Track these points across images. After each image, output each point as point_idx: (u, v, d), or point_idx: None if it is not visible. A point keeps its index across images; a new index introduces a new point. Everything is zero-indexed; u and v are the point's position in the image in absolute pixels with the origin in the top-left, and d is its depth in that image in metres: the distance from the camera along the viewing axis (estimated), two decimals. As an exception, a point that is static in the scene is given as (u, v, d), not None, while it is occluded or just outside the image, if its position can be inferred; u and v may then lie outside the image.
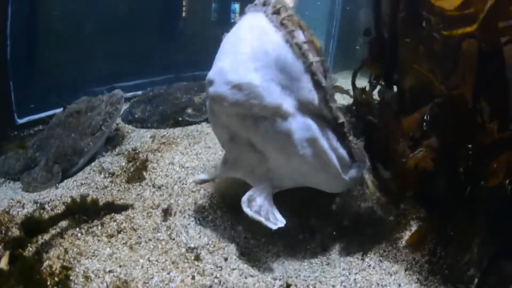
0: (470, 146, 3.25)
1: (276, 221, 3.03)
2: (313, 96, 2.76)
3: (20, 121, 5.69)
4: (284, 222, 3.05)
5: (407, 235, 3.42)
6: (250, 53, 2.60)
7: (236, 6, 9.68)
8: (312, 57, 2.68)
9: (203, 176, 3.60)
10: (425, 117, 3.58)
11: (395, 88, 3.81)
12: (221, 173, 3.52)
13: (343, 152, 3.01)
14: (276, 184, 3.23)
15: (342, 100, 5.54)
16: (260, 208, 3.07)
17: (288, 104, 2.71)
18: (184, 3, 8.77)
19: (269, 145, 2.94)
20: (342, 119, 2.90)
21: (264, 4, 2.72)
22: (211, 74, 2.74)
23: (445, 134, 3.26)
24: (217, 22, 9.61)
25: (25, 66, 5.91)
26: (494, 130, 3.00)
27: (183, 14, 8.88)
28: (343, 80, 8.12)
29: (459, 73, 3.26)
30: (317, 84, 2.73)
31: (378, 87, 4.03)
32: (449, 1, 3.01)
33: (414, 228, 3.45)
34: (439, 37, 3.36)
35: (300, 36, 2.66)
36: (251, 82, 2.59)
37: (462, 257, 3.05)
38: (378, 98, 3.94)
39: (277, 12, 2.64)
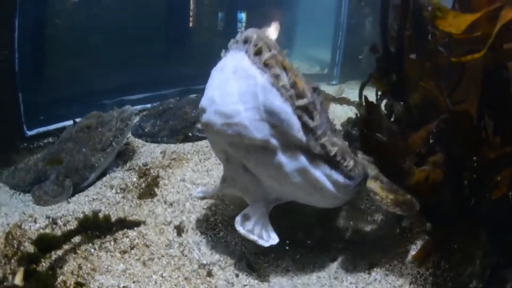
0: (475, 159, 3.29)
1: (269, 238, 3.11)
2: (302, 136, 2.76)
3: (30, 133, 5.71)
4: (277, 240, 3.13)
5: (412, 249, 3.47)
6: (238, 96, 2.63)
7: (243, 16, 9.78)
8: (297, 101, 2.66)
9: (202, 194, 3.70)
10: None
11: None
12: (219, 191, 3.62)
13: (338, 177, 3.00)
14: (272, 199, 3.28)
15: (349, 112, 5.59)
16: (254, 226, 3.15)
17: (277, 140, 2.74)
18: (191, 13, 8.82)
19: (261, 172, 3.02)
20: (334, 151, 2.89)
21: (245, 42, 2.70)
22: (203, 103, 2.81)
23: (451, 148, 3.31)
24: (224, 31, 9.65)
25: (34, 78, 5.93)
26: (498, 144, 3.06)
27: (190, 24, 8.94)
28: (350, 91, 8.20)
29: (464, 89, 3.36)
30: (304, 126, 2.74)
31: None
32: (456, 25, 3.02)
33: (419, 242, 3.50)
34: (444, 52, 3.43)
35: (284, 79, 2.63)
36: (240, 122, 2.63)
37: (465, 269, 3.09)
38: (385, 111, 3.99)
39: (259, 52, 2.62)
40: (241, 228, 3.15)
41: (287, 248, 3.60)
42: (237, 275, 3.29)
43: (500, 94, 3.08)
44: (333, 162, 2.94)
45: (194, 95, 6.74)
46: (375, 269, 3.40)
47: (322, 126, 2.84)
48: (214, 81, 2.82)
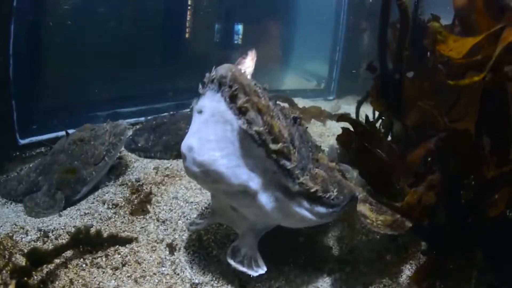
0: (472, 178, 3.32)
1: (258, 269, 3.20)
2: (279, 177, 2.80)
3: (22, 141, 5.71)
4: (265, 269, 3.22)
5: (407, 269, 3.54)
6: (215, 142, 2.65)
7: (240, 28, 9.77)
8: (272, 145, 2.66)
9: (195, 227, 3.72)
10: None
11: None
12: (210, 222, 3.68)
13: (320, 209, 3.06)
14: (260, 228, 3.37)
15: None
16: (244, 257, 3.24)
17: (256, 183, 2.78)
18: (187, 25, 8.82)
19: (244, 211, 3.11)
20: (314, 188, 2.92)
21: (220, 83, 2.64)
22: (183, 148, 2.80)
23: (448, 167, 3.32)
24: (221, 44, 9.66)
25: (28, 86, 5.94)
26: (496, 163, 3.06)
27: (186, 36, 8.93)
28: (347, 106, 8.22)
29: (462, 107, 3.39)
30: (282, 167, 2.75)
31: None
32: (457, 50, 3.02)
33: (414, 262, 3.58)
34: (444, 70, 3.49)
35: (259, 123, 2.62)
36: (217, 169, 2.66)
37: None
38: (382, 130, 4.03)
39: (234, 97, 2.59)
40: (232, 260, 3.25)
41: (280, 268, 3.64)
42: (229, 296, 3.30)
43: (498, 114, 3.10)
44: (314, 198, 2.98)
45: (188, 110, 6.76)
46: None
47: (302, 161, 2.89)
48: (194, 124, 2.81)
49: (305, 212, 3.01)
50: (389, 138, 4.20)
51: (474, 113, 3.20)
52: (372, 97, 3.91)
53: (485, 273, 3.20)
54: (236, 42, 9.79)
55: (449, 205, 3.44)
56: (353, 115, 4.29)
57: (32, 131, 5.86)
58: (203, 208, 4.22)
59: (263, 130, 2.61)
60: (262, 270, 3.22)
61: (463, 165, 3.21)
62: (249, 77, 2.73)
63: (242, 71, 2.70)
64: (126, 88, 7.53)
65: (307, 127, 3.35)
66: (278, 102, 3.08)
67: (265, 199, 2.86)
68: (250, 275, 3.20)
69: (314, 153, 3.17)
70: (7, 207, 4.62)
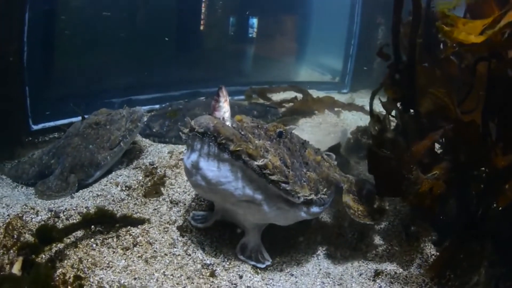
0: (483, 169, 3.33)
1: (264, 261, 3.47)
2: (279, 193, 3.07)
3: (35, 127, 5.71)
4: (270, 261, 3.49)
5: (418, 258, 3.51)
6: (218, 175, 2.95)
7: (254, 21, 9.73)
8: (271, 176, 2.96)
9: (202, 225, 3.72)
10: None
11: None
12: (214, 219, 3.75)
13: (314, 209, 3.36)
14: (261, 225, 3.57)
15: (359, 120, 5.55)
16: (251, 253, 3.50)
17: (260, 196, 3.08)
18: (202, 17, 8.80)
19: (248, 216, 3.37)
20: (311, 196, 3.24)
21: (204, 135, 2.90)
22: (187, 164, 3.03)
23: (458, 157, 3.32)
24: (235, 36, 9.70)
25: (42, 73, 5.96)
26: (504, 153, 3.06)
27: (201, 28, 8.91)
28: (360, 100, 8.19)
29: (474, 99, 3.35)
30: (282, 189, 3.03)
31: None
32: (467, 32, 3.01)
33: (426, 251, 3.55)
34: (456, 60, 3.53)
35: (254, 164, 2.92)
36: (226, 188, 2.98)
37: (470, 279, 3.09)
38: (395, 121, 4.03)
39: (224, 146, 2.87)
40: (241, 256, 3.48)
41: (292, 253, 3.64)
42: (240, 277, 3.25)
43: (505, 102, 3.09)
44: (310, 202, 3.29)
45: (203, 97, 6.71)
46: (380, 276, 3.38)
47: (296, 173, 3.20)
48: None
49: (302, 214, 3.32)
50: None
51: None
52: (386, 84, 3.92)
53: (495, 265, 3.14)
54: (251, 35, 9.78)
55: (459, 196, 3.50)
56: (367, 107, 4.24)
57: (45, 117, 5.85)
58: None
59: (259, 168, 2.93)
60: (268, 262, 3.48)
61: (473, 155, 3.21)
62: (228, 122, 3.01)
63: (221, 117, 2.99)
64: (140, 76, 7.50)
65: (292, 131, 3.60)
66: (262, 123, 3.42)
67: (268, 208, 3.15)
68: (258, 267, 3.43)
69: (303, 155, 3.49)
70: (18, 191, 4.59)
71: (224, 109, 2.99)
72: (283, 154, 3.18)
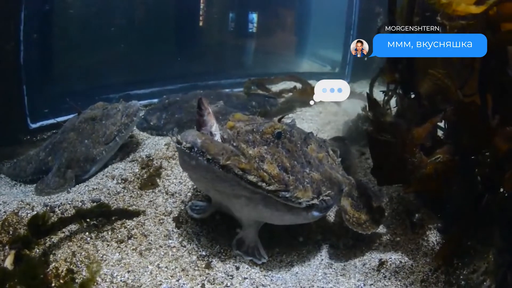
0: (486, 154, 3.21)
1: (260, 257, 3.34)
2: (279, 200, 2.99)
3: (33, 125, 5.68)
4: (266, 258, 3.36)
5: (423, 246, 3.40)
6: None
7: (254, 16, 9.62)
8: (268, 187, 2.88)
9: (197, 216, 3.64)
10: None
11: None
12: (211, 211, 3.66)
13: (314, 213, 3.20)
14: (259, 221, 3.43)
15: (360, 109, 5.48)
16: (248, 248, 3.38)
17: (257, 196, 2.98)
18: (201, 11, 8.71)
19: (244, 211, 3.23)
20: (312, 202, 3.09)
21: (191, 149, 2.79)
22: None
23: (461, 140, 3.23)
24: (235, 31, 9.61)
25: (40, 71, 5.92)
26: (506, 136, 2.94)
27: (200, 23, 8.82)
28: (360, 90, 8.10)
29: (475, 82, 3.23)
30: (282, 197, 2.95)
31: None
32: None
33: (431, 238, 3.45)
34: None
35: (250, 176, 2.83)
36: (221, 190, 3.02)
37: (478, 267, 2.98)
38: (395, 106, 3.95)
39: (214, 161, 2.77)
40: (238, 251, 3.37)
41: (294, 244, 3.55)
42: (237, 268, 3.17)
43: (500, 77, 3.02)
44: (310, 207, 3.13)
45: (201, 90, 6.67)
46: (384, 266, 3.27)
47: (298, 176, 3.08)
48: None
49: (301, 219, 3.22)
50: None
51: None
52: (384, 69, 3.88)
53: (504, 253, 3.01)
54: (250, 30, 9.65)
55: (464, 181, 3.36)
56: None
57: (43, 115, 5.80)
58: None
59: (255, 179, 2.84)
60: (265, 259, 3.35)
61: (475, 138, 3.13)
62: (217, 136, 2.93)
63: (207, 131, 2.90)
64: (138, 70, 7.45)
65: (292, 128, 3.43)
66: (258, 122, 3.32)
67: (265, 208, 3.06)
68: (255, 262, 3.30)
69: (305, 153, 3.34)
70: (16, 189, 4.56)
71: (210, 122, 2.90)
72: (282, 159, 3.07)
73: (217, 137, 2.91)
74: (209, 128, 2.89)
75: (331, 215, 3.89)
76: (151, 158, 4.48)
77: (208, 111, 2.89)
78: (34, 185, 4.45)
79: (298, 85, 7.31)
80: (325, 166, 3.43)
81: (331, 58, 11.15)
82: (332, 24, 10.90)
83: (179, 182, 4.05)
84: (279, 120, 3.56)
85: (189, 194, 3.88)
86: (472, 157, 3.28)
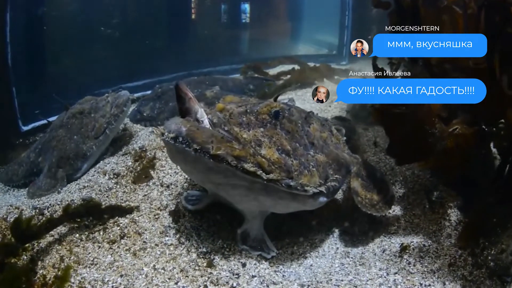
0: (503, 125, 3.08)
1: (269, 251, 3.07)
2: (284, 188, 2.71)
3: (25, 128, 5.56)
4: (275, 251, 3.09)
5: (446, 226, 3.16)
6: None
7: (247, 7, 9.67)
8: (268, 175, 2.59)
9: (192, 207, 3.35)
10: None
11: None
12: (207, 202, 3.38)
13: (321, 199, 2.89)
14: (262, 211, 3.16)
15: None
16: (254, 241, 3.10)
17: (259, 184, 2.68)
18: (193, 4, 8.72)
19: (244, 202, 2.95)
20: (319, 189, 2.81)
21: (176, 139, 2.52)
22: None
23: (476, 110, 3.04)
24: (227, 22, 9.64)
25: (28, 72, 5.85)
26: None
27: (193, 15, 8.85)
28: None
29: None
30: (285, 186, 2.66)
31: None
32: None
33: (453, 218, 3.23)
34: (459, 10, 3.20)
35: (247, 165, 2.54)
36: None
37: (507, 246, 2.75)
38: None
39: (205, 150, 2.48)
40: (244, 246, 3.08)
41: (306, 234, 3.29)
42: (243, 265, 2.88)
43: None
44: (316, 195, 2.84)
45: (195, 77, 6.46)
46: (407, 251, 3.00)
47: (301, 160, 2.81)
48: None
49: (307, 205, 2.93)
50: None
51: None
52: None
53: None
54: (244, 20, 9.80)
55: (481, 155, 3.25)
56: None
57: (34, 116, 5.68)
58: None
59: (253, 166, 2.57)
60: (273, 252, 3.08)
61: (488, 107, 2.92)
62: (205, 122, 2.62)
63: (193, 119, 2.61)
64: (130, 63, 7.38)
65: (291, 107, 3.10)
66: (252, 102, 3.04)
67: (268, 199, 2.78)
68: (264, 257, 3.02)
69: (307, 133, 3.03)
70: (9, 194, 4.44)
71: (193, 109, 2.57)
72: (281, 141, 2.78)
73: (205, 123, 2.59)
74: (194, 116, 2.58)
75: (339, 196, 3.59)
76: (145, 149, 4.26)
77: (189, 96, 2.56)
78: (27, 188, 4.26)
79: (297, 67, 7.30)
80: (330, 146, 3.13)
81: (328, 41, 11.28)
82: (326, 7, 11.00)
83: (175, 172, 3.82)
84: (275, 99, 3.15)
85: (186, 184, 3.63)
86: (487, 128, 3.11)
